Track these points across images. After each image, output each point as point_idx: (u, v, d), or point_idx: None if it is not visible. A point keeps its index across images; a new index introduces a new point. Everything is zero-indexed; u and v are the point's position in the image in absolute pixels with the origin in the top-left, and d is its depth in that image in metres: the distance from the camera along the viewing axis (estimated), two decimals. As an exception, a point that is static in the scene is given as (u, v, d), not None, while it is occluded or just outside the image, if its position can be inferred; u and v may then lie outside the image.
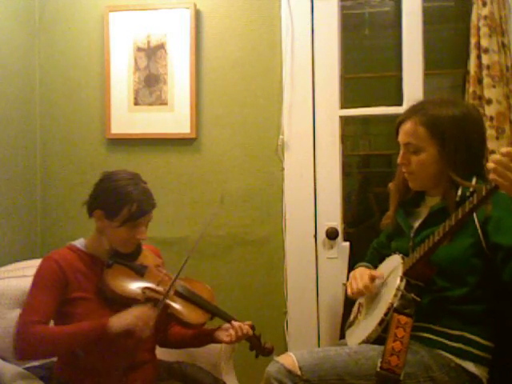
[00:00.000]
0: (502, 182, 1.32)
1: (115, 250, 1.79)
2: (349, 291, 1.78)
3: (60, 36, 2.67)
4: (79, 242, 1.83)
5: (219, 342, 1.86)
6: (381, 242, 1.96)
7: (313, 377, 1.53)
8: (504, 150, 1.32)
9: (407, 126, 1.68)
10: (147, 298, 1.73)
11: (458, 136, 1.61)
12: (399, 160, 1.73)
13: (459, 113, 1.64)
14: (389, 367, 1.47)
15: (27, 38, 2.63)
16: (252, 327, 1.86)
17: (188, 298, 1.82)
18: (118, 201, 1.71)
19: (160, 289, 1.77)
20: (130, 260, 1.80)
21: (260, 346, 1.88)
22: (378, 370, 1.48)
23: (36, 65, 2.68)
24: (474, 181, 1.61)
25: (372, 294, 1.75)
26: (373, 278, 1.74)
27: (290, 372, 1.53)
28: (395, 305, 1.55)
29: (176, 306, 1.78)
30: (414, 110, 1.69)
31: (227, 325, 1.85)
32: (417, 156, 1.67)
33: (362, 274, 1.79)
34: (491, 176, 1.34)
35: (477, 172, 1.62)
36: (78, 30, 2.66)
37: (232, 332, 1.81)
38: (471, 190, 1.57)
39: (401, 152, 1.72)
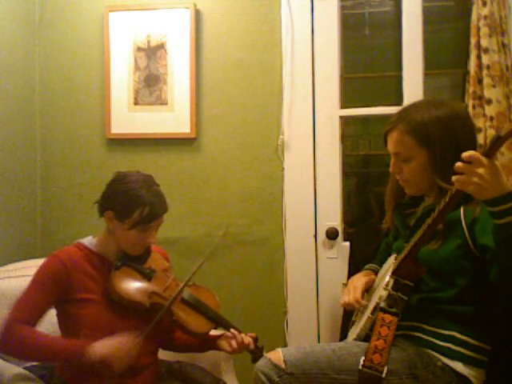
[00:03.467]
0: (466, 187, 1.32)
1: (124, 251, 1.77)
2: (341, 302, 1.82)
3: (60, 36, 2.68)
4: (88, 240, 1.81)
5: (221, 350, 1.84)
6: (389, 242, 1.97)
7: (297, 370, 1.56)
8: (465, 154, 1.31)
9: (394, 136, 1.67)
10: (152, 304, 1.72)
11: (444, 138, 1.60)
12: (391, 169, 1.72)
13: (443, 114, 1.62)
14: (371, 365, 1.49)
15: (27, 37, 2.63)
16: (255, 339, 1.84)
17: (194, 306, 1.81)
18: (130, 203, 1.69)
19: (166, 294, 1.75)
20: (138, 263, 1.79)
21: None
22: (361, 367, 1.50)
23: (36, 65, 2.69)
24: None
25: (370, 294, 1.77)
26: (368, 289, 1.78)
27: (275, 366, 1.58)
28: (381, 304, 1.56)
29: (181, 313, 1.76)
30: (399, 119, 1.67)
31: (231, 334, 1.83)
32: (408, 164, 1.66)
33: (356, 285, 1.81)
34: (455, 184, 1.34)
35: None
36: (78, 30, 2.66)
37: (234, 343, 1.80)
38: None
39: (392, 161, 1.71)
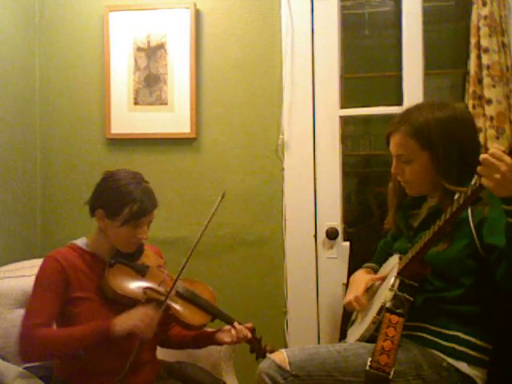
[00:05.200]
0: (487, 181, 1.33)
1: (117, 249, 1.79)
2: (344, 303, 1.81)
3: (60, 36, 2.68)
4: (81, 241, 1.82)
5: (220, 343, 1.85)
6: (388, 242, 1.97)
7: (302, 372, 1.55)
8: (492, 150, 1.32)
9: (396, 138, 1.68)
10: (148, 299, 1.73)
11: (446, 140, 1.61)
12: (393, 170, 1.73)
13: (446, 116, 1.63)
14: (378, 366, 1.48)
15: (27, 37, 2.63)
16: (253, 330, 1.86)
17: (189, 299, 1.82)
18: (120, 200, 1.71)
19: (161, 289, 1.76)
20: (131, 260, 1.80)
21: (260, 349, 1.87)
22: (368, 368, 1.49)
23: (36, 65, 2.68)
24: (473, 181, 1.60)
25: (370, 294, 1.76)
26: (367, 289, 1.76)
27: (280, 367, 1.55)
28: (387, 304, 1.56)
29: (177, 307, 1.77)
30: (402, 121, 1.67)
31: (228, 326, 1.84)
32: (409, 166, 1.67)
33: (359, 282, 1.80)
34: (478, 173, 1.35)
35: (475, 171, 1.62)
36: (78, 30, 2.66)
37: (233, 333, 1.81)
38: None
39: (393, 162, 1.72)
